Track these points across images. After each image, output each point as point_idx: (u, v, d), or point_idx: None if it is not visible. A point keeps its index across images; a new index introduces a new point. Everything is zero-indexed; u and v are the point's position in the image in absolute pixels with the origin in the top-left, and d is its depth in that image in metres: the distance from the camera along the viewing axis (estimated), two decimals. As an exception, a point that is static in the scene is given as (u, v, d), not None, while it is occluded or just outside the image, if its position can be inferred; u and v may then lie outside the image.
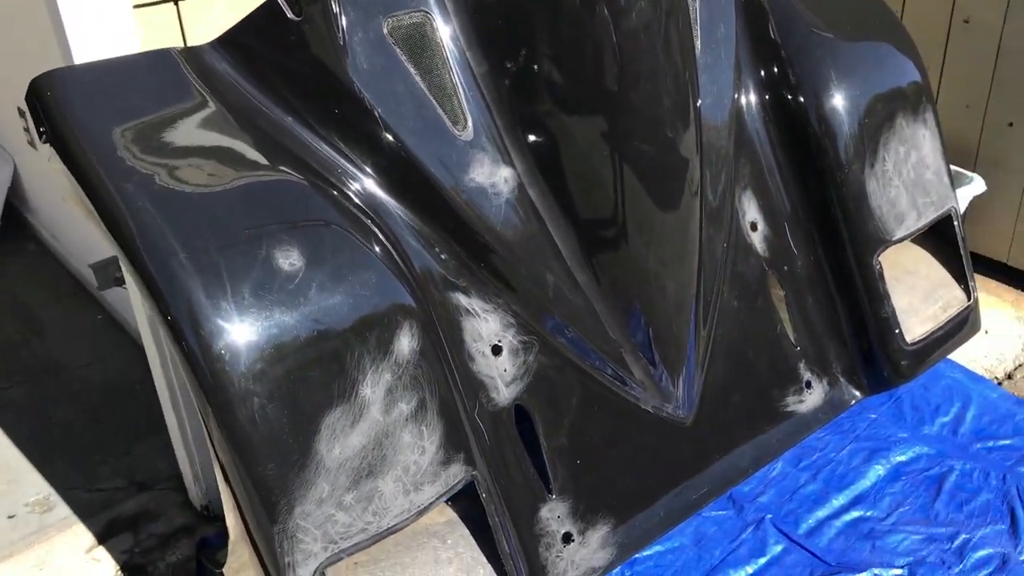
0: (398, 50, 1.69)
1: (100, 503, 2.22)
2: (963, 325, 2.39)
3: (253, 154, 1.60)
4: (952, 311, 2.36)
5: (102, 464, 2.34)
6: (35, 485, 2.29)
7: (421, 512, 1.56)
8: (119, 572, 2.03)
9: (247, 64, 1.70)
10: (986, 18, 2.67)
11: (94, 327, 2.92)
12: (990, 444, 2.32)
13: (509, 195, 1.79)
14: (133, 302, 2.03)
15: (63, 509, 2.21)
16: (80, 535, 2.13)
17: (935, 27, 2.80)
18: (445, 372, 1.63)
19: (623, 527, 1.93)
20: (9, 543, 2.12)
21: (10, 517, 2.19)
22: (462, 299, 1.77)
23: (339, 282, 1.51)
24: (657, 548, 2.03)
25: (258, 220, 1.51)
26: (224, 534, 1.62)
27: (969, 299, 2.40)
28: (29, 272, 3.25)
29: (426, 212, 1.75)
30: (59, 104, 1.52)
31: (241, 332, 1.42)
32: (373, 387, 1.50)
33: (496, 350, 1.80)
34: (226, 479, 1.46)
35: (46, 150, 1.57)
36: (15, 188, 3.38)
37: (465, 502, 1.71)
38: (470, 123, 1.75)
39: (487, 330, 1.79)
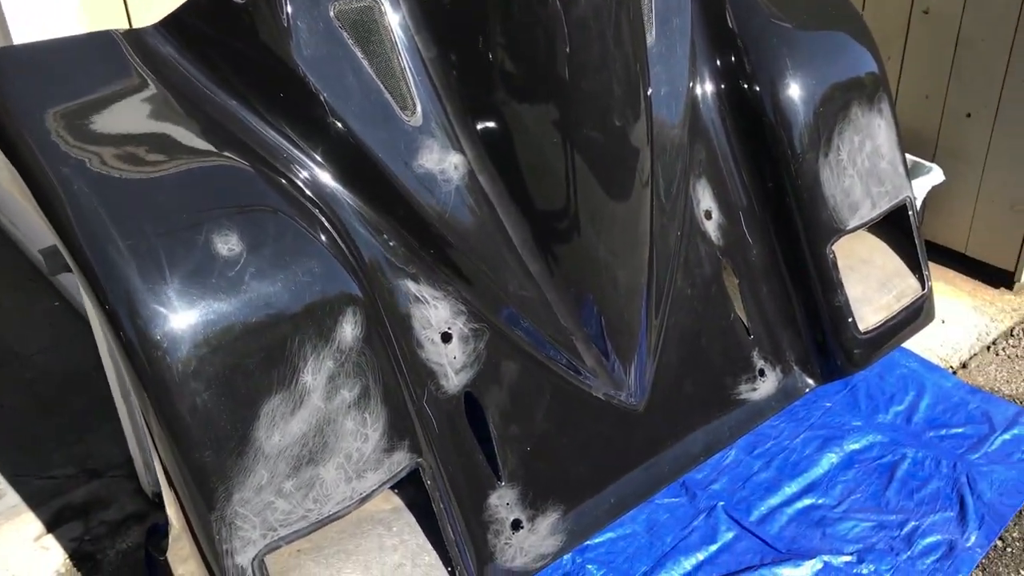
0: (345, 34, 1.68)
1: (50, 491, 2.20)
2: (917, 314, 2.40)
3: (196, 139, 1.58)
4: (906, 300, 2.38)
5: (54, 452, 2.32)
6: (-15, 473, 2.27)
7: (364, 499, 1.55)
8: (67, 560, 2.02)
9: (191, 47, 1.68)
10: (945, 9, 2.68)
11: (50, 314, 2.89)
12: (943, 432, 2.34)
13: (459, 182, 1.78)
14: (81, 288, 2.00)
15: (12, 497, 2.19)
16: (29, 523, 2.11)
17: (895, 17, 2.80)
18: (391, 359, 1.62)
19: (573, 514, 1.93)
20: (-43, 531, 2.10)
21: (-41, 505, 2.18)
22: (411, 286, 1.77)
23: (280, 269, 1.49)
24: (609, 535, 2.04)
25: (199, 206, 1.49)
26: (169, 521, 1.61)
27: (923, 288, 2.41)
28: (-14, 258, 3.22)
29: (374, 199, 1.74)
30: (-6, 86, 1.50)
31: (179, 319, 1.40)
32: (314, 374, 1.49)
33: (446, 337, 1.80)
34: (165, 468, 1.45)
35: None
36: (-27, 172, 3.34)
37: (411, 489, 1.71)
38: (419, 109, 1.74)
39: (436, 317, 1.79)
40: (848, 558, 2.00)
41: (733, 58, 2.18)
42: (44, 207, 1.47)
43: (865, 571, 1.97)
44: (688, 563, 2.00)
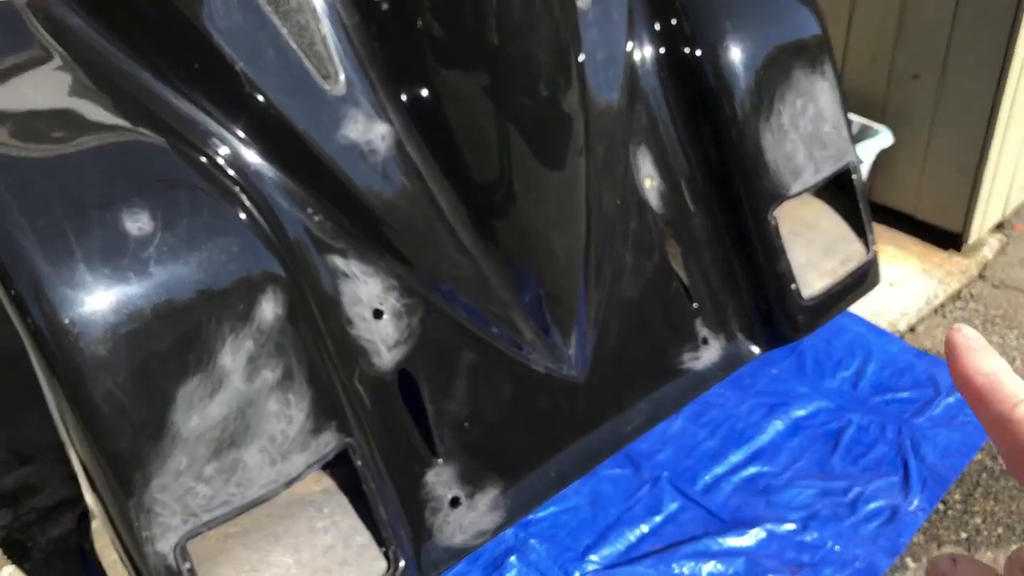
0: (261, 2, 1.61)
1: (-19, 477, 2.15)
2: (863, 279, 2.39)
3: (106, 114, 1.52)
4: (851, 265, 2.36)
5: (-15, 436, 2.27)
6: (-86, 460, 2.21)
7: (290, 482, 1.51)
8: (-2, 548, 1.98)
9: (102, 17, 1.61)
10: (891, -32, 2.64)
11: (-15, 294, 2.81)
12: (888, 397, 2.34)
13: (386, 153, 1.73)
14: (2, 269, 1.94)
15: (-59, 484, 2.13)
16: (-42, 511, 2.06)
17: (842, -22, 2.77)
18: (315, 338, 1.58)
19: (513, 489, 1.90)
20: None
21: None
22: (339, 262, 1.72)
23: (195, 248, 1.44)
24: (552, 508, 2.02)
25: (108, 184, 1.44)
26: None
27: (868, 253, 2.39)
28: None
29: (299, 173, 1.69)
30: None
31: (89, 303, 1.35)
32: (233, 355, 1.45)
33: (377, 314, 1.75)
34: (79, 456, 1.40)
35: None
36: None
37: (343, 470, 1.67)
38: (342, 77, 1.68)
39: (367, 293, 1.74)
40: (792, 526, 2.00)
41: (673, 21, 2.14)
42: (-57, 188, 1.40)
43: (808, 538, 1.96)
44: (632, 535, 1.99)
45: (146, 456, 1.38)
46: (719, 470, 2.14)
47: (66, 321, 1.34)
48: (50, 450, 2.19)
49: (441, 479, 1.81)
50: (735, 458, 2.17)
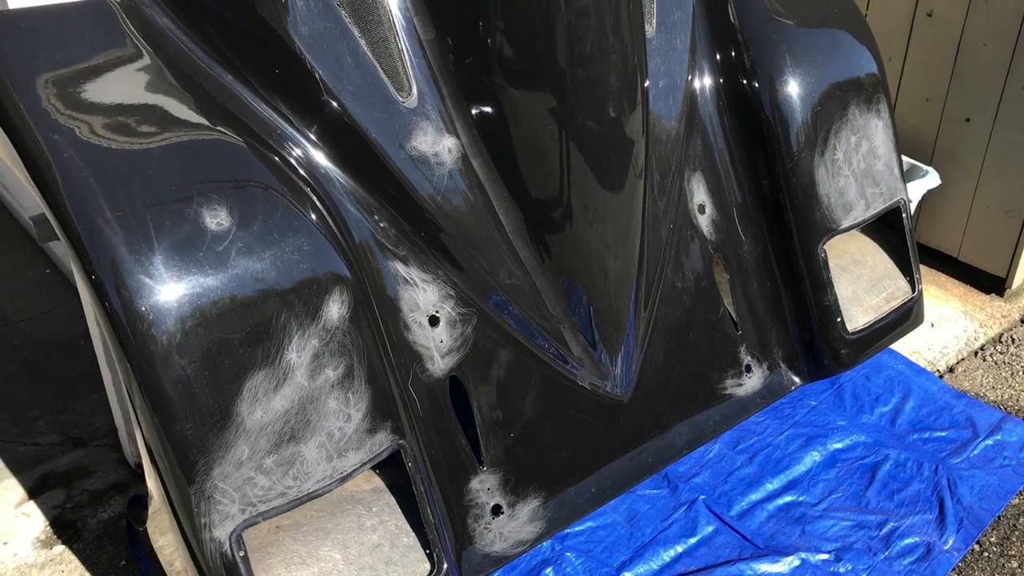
0: (343, 12, 1.67)
1: (34, 457, 2.20)
2: (906, 317, 2.41)
3: (189, 112, 1.57)
4: (896, 302, 2.38)
5: (39, 419, 2.32)
6: (-31, 437, 2.27)
7: (344, 479, 1.55)
8: (48, 527, 2.02)
9: (188, 19, 1.67)
10: (949, 12, 2.67)
11: (41, 281, 2.88)
12: (926, 435, 2.35)
13: (452, 165, 1.78)
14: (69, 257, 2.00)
15: (-4, 462, 2.20)
16: (11, 489, 2.11)
17: (899, 18, 2.80)
18: (376, 341, 1.62)
19: (554, 502, 1.94)
20: (-61, 494, 2.11)
21: (-59, 468, 2.18)
22: (400, 268, 1.76)
23: (269, 245, 1.49)
24: (589, 524, 2.05)
25: (189, 179, 1.49)
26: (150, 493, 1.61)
27: (914, 291, 2.42)
28: (-21, 223, 3.21)
29: (367, 179, 1.74)
30: (-13, 50, 1.49)
31: (165, 292, 1.40)
32: (299, 352, 1.49)
33: (433, 321, 1.80)
34: (146, 440, 1.45)
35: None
36: (-31, 136, 3.32)
37: (392, 471, 1.71)
38: (415, 90, 1.74)
39: (425, 300, 1.79)
40: (826, 556, 2.01)
41: (733, 53, 2.18)
42: (33, 174, 1.46)
43: (842, 570, 1.98)
44: (667, 555, 2.01)
45: (210, 444, 1.43)
46: (755, 496, 2.15)
47: (142, 308, 1.39)
48: (102, 435, 2.25)
49: (485, 487, 1.85)
50: (771, 486, 2.18)
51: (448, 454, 1.81)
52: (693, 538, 2.05)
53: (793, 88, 2.15)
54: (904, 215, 2.38)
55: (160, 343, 1.39)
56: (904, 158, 2.75)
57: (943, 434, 2.35)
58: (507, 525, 1.87)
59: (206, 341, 1.42)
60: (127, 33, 1.61)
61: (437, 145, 1.77)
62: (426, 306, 1.79)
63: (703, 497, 2.13)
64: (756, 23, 2.17)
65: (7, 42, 1.51)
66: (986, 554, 2.06)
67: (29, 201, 2.88)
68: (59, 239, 1.87)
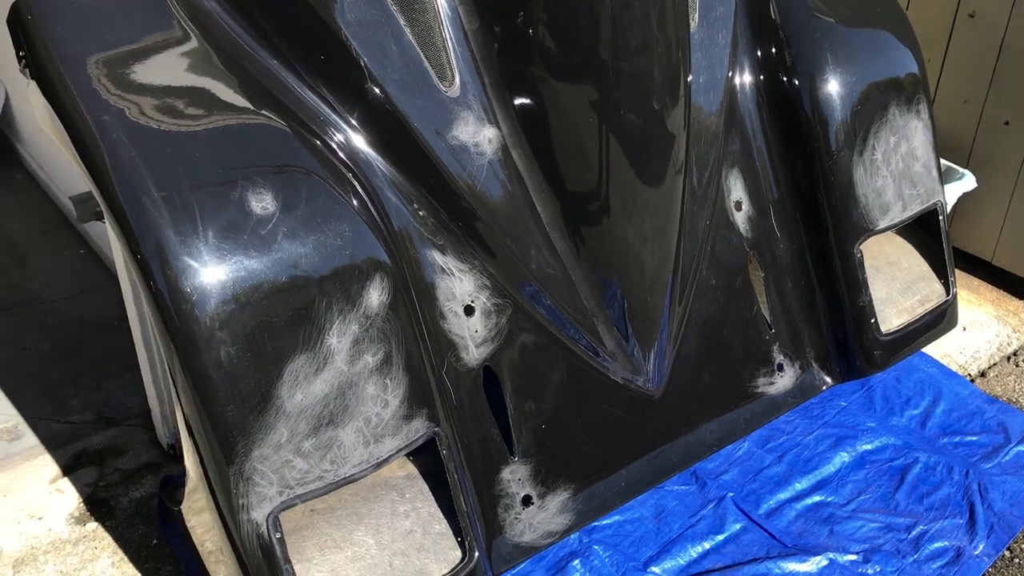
0: (389, 1, 1.67)
1: (68, 435, 2.22)
2: (940, 320, 2.39)
3: (235, 96, 1.58)
4: (930, 305, 2.36)
5: (73, 397, 2.35)
6: (4, 413, 2.29)
7: (380, 464, 1.56)
8: (82, 504, 2.04)
9: (235, 3, 1.68)
10: (991, 13, 2.65)
11: (76, 261, 2.91)
12: (956, 439, 2.33)
13: (492, 156, 1.78)
14: (110, 237, 2.02)
15: (31, 438, 2.22)
16: (45, 465, 2.14)
17: (939, 19, 2.77)
18: (414, 328, 1.63)
19: (583, 494, 1.94)
20: (-26, 468, 2.13)
21: (-23, 443, 2.20)
22: (438, 257, 1.77)
23: (312, 230, 1.50)
24: (616, 518, 2.05)
25: (234, 162, 1.50)
26: (186, 474, 1.62)
27: (948, 294, 2.40)
28: (15, 202, 3.23)
29: (407, 167, 1.74)
30: (39, 30, 1.51)
31: (210, 273, 1.41)
32: (340, 337, 1.50)
33: (468, 310, 1.80)
34: (187, 420, 1.46)
35: (27, 78, 1.56)
36: (6, 116, 3.36)
37: (426, 458, 1.72)
38: (457, 80, 1.74)
39: (461, 290, 1.79)
40: (854, 557, 2.00)
41: (774, 50, 2.17)
42: (82, 153, 1.48)
43: (871, 571, 1.97)
44: (694, 551, 2.01)
45: (250, 426, 1.44)
46: (783, 495, 2.15)
47: (187, 289, 1.40)
48: (134, 415, 2.27)
49: (515, 477, 1.85)
50: (800, 485, 2.18)
51: (480, 443, 1.81)
52: (721, 535, 2.05)
53: (834, 86, 2.14)
54: (940, 217, 2.36)
55: (204, 324, 1.41)
56: (940, 160, 2.72)
57: (974, 439, 2.33)
58: (537, 516, 1.87)
59: (249, 323, 1.43)
60: (175, 16, 1.62)
61: (478, 135, 1.77)
62: (462, 295, 1.80)
63: (731, 494, 2.13)
64: (798, 20, 2.16)
65: (59, 23, 1.53)
66: (1017, 560, 2.04)
67: (66, 182, 2.90)
68: (98, 220, 1.90)
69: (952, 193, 2.73)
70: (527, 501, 1.86)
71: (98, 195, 1.46)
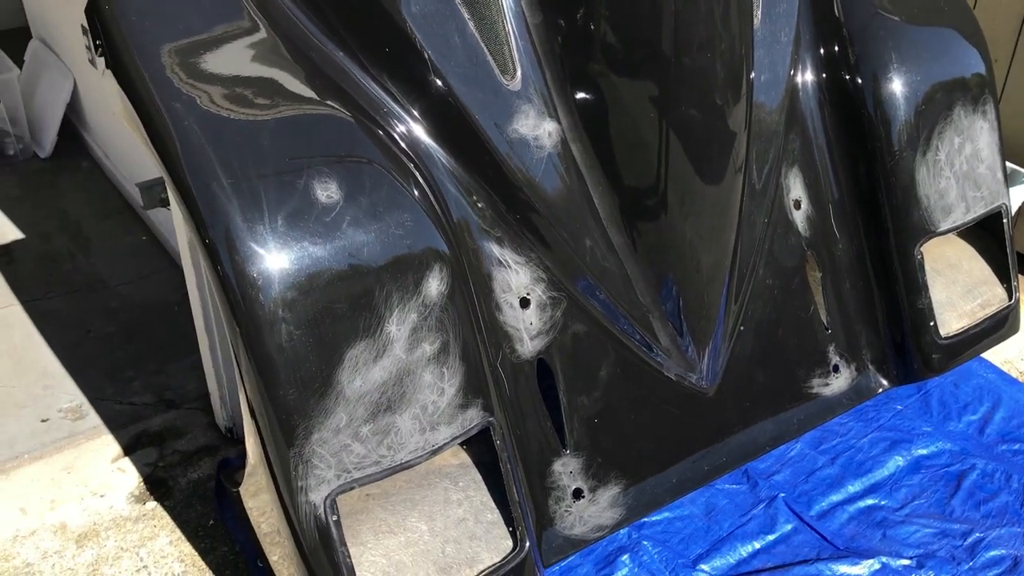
0: (454, -6, 1.69)
1: (129, 416, 2.28)
2: (1001, 325, 2.35)
3: (301, 86, 1.61)
4: (991, 309, 2.32)
5: (134, 379, 2.41)
6: (69, 393, 2.36)
7: (435, 451, 1.58)
8: (142, 483, 2.10)
9: (304, -4, 1.71)
10: (1062, 14, 2.59)
11: (138, 246, 2.98)
12: (1016, 447, 2.29)
13: (552, 149, 1.79)
14: (175, 223, 2.06)
15: (94, 418, 2.28)
16: (108, 445, 2.20)
17: (1008, 19, 2.72)
18: (471, 318, 1.65)
19: (634, 489, 1.94)
20: (41, 445, 2.20)
21: (43, 421, 2.27)
22: (495, 249, 1.79)
23: (375, 219, 1.52)
24: (666, 514, 2.05)
25: (300, 151, 1.53)
26: (244, 456, 1.66)
27: (1011, 299, 2.36)
28: (81, 188, 3.32)
29: (467, 159, 1.76)
30: (116, 20, 1.55)
31: (275, 259, 1.44)
32: (399, 325, 1.52)
33: (524, 302, 1.81)
34: (249, 402, 1.49)
35: (102, 67, 1.60)
36: (73, 105, 3.44)
37: (479, 447, 1.74)
38: (519, 73, 1.75)
39: (517, 282, 1.81)
40: (907, 562, 1.98)
41: (837, 48, 2.15)
42: (154, 139, 1.52)
43: (924, 577, 1.95)
44: (744, 550, 2.00)
45: (311, 410, 1.47)
46: (836, 498, 2.13)
47: (253, 274, 1.43)
48: (194, 399, 2.32)
49: (567, 470, 1.86)
50: (853, 488, 2.16)
51: (533, 435, 1.82)
52: (771, 535, 2.04)
53: (897, 85, 2.11)
54: (1004, 221, 2.32)
55: (268, 308, 1.44)
56: (1006, 162, 2.67)
57: (1034, 447, 2.29)
58: (587, 509, 1.88)
59: (311, 309, 1.46)
60: (245, 7, 1.66)
61: (538, 129, 1.78)
62: (518, 288, 1.81)
63: (783, 495, 2.12)
64: (862, 18, 2.14)
65: (134, 12, 1.57)
66: (1076, 571, 2.00)
67: (131, 169, 2.97)
68: (162, 206, 1.95)
69: (1017, 196, 2.67)
70: (578, 494, 1.87)
71: (168, 181, 1.50)
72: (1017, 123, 2.77)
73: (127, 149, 2.99)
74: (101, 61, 1.60)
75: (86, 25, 1.63)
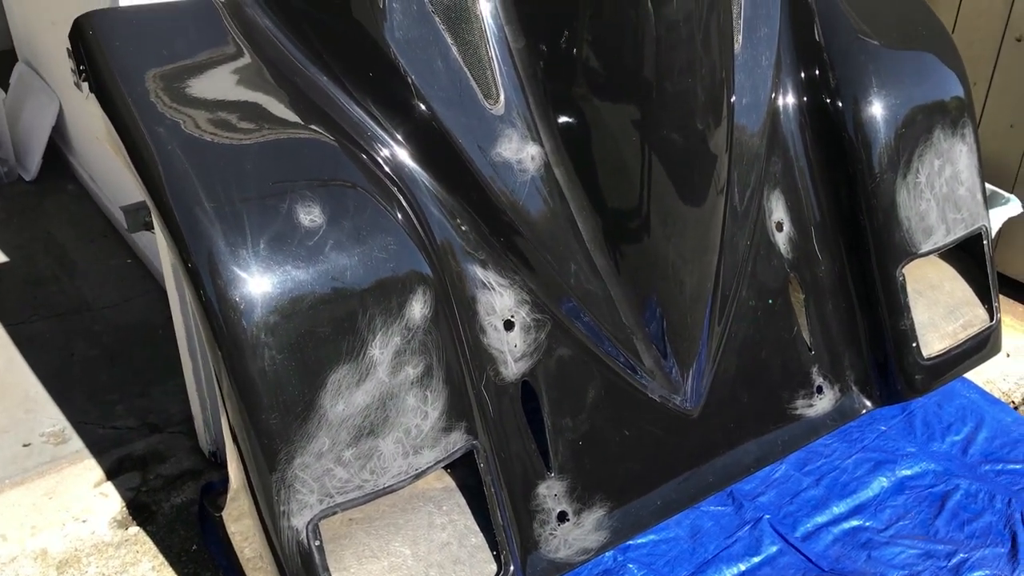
0: (437, 19, 1.70)
1: (112, 440, 2.27)
2: (983, 345, 2.37)
3: (285, 110, 1.62)
4: (973, 330, 2.34)
5: (118, 403, 2.40)
6: (52, 417, 2.35)
7: (418, 475, 1.58)
8: (124, 508, 2.08)
9: (287, 21, 1.72)
10: (1039, 38, 2.63)
11: (123, 269, 2.97)
12: (999, 467, 2.30)
13: (535, 173, 1.80)
14: (159, 247, 2.06)
15: (77, 443, 2.26)
16: (91, 469, 2.18)
17: (986, 42, 2.76)
18: (455, 341, 1.65)
19: (619, 512, 1.94)
20: (22, 470, 2.18)
21: (25, 445, 2.25)
22: (479, 272, 1.79)
23: (358, 243, 1.53)
24: (652, 537, 2.04)
25: (284, 175, 1.53)
26: (227, 481, 1.65)
27: (992, 320, 2.38)
28: (66, 211, 3.31)
29: (451, 183, 1.77)
30: (100, 44, 1.55)
31: (258, 283, 1.45)
32: (382, 348, 1.52)
33: (508, 325, 1.82)
34: (231, 427, 1.49)
35: (87, 90, 1.60)
36: (59, 128, 3.45)
37: (463, 471, 1.73)
38: (502, 98, 1.76)
39: (501, 304, 1.81)
40: (892, 583, 1.98)
41: (818, 72, 2.17)
42: (137, 164, 1.52)
43: (909, 598, 1.95)
44: (729, 572, 1.99)
45: (293, 434, 1.46)
46: (820, 519, 2.13)
47: (235, 298, 1.43)
48: (177, 422, 2.31)
49: (552, 493, 1.86)
50: (837, 509, 2.16)
51: (517, 458, 1.82)
52: (757, 557, 2.03)
53: (878, 108, 2.13)
54: (985, 242, 2.34)
55: (250, 332, 1.43)
56: (985, 184, 2.70)
57: (1017, 467, 2.30)
58: (572, 532, 1.88)
59: (294, 333, 1.46)
60: (229, 32, 1.66)
61: (521, 152, 1.79)
62: (502, 310, 1.81)
63: (768, 516, 2.12)
64: (842, 42, 2.16)
65: (117, 37, 1.57)
66: (1060, 591, 2.01)
67: (116, 192, 2.97)
68: (147, 230, 1.95)
69: (997, 218, 2.70)
70: (563, 517, 1.87)
71: (151, 205, 1.50)
72: (996, 145, 2.80)
73: (112, 172, 2.99)
74: (85, 85, 1.61)
75: (71, 48, 1.64)
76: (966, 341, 2.33)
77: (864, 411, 2.30)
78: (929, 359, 2.26)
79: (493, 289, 1.81)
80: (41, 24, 3.17)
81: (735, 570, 2.00)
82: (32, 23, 3.34)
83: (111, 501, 2.10)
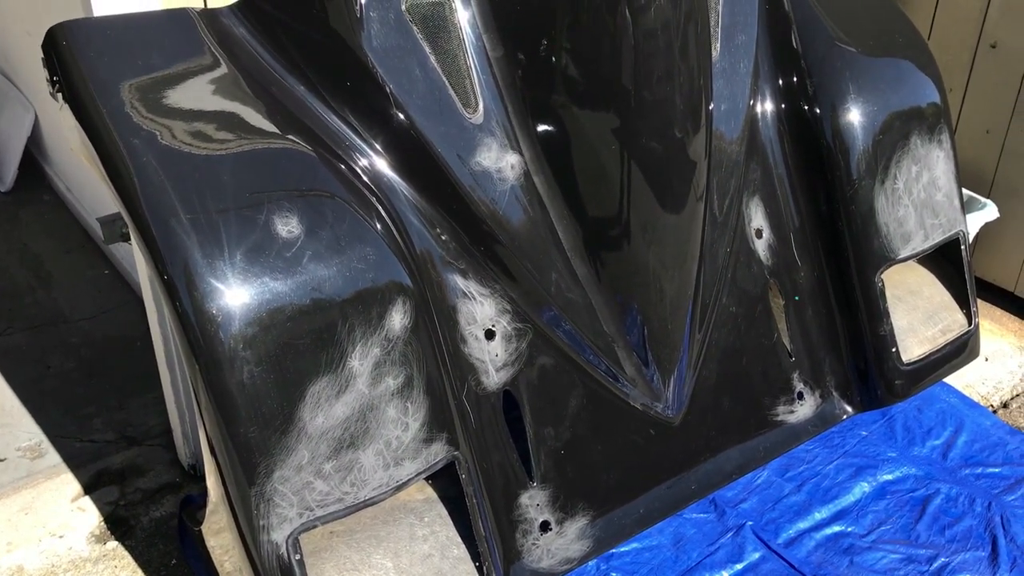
0: (415, 28, 1.70)
1: (90, 454, 2.24)
2: (962, 350, 2.38)
3: (262, 120, 1.61)
4: (952, 335, 2.35)
5: (95, 416, 2.37)
6: (28, 431, 2.32)
7: (400, 487, 1.57)
8: (102, 523, 2.06)
9: (264, 30, 1.71)
10: (1013, 44, 2.65)
11: (100, 281, 2.95)
12: (979, 471, 2.31)
13: (515, 181, 1.80)
14: (136, 258, 2.04)
15: (53, 457, 2.24)
16: (68, 484, 2.16)
17: (961, 50, 2.78)
18: (435, 352, 1.64)
19: (601, 521, 1.93)
20: (-2, 486, 2.15)
21: (0, 460, 2.22)
22: (459, 281, 1.78)
23: (336, 253, 1.52)
24: (634, 545, 2.04)
25: (261, 186, 1.52)
26: (207, 494, 1.64)
27: (970, 324, 2.39)
28: (42, 222, 3.28)
29: (430, 192, 1.76)
30: (73, 54, 1.54)
31: (235, 295, 1.43)
32: (361, 360, 1.51)
33: (489, 334, 1.81)
34: (209, 440, 1.47)
35: (61, 101, 1.59)
36: (35, 138, 3.41)
37: (445, 482, 1.72)
38: (481, 107, 1.76)
39: (482, 314, 1.80)
40: (874, 589, 1.98)
41: (795, 79, 2.18)
42: (111, 175, 1.50)
43: (891, 603, 1.95)
44: (712, 580, 1.99)
45: (272, 447, 1.45)
46: (803, 525, 2.13)
47: (212, 310, 1.42)
48: (156, 435, 2.29)
49: (534, 502, 1.85)
50: (819, 515, 2.16)
51: (499, 468, 1.81)
52: (739, 564, 2.03)
53: (855, 115, 2.14)
54: (963, 247, 2.36)
55: (228, 345, 1.42)
56: (962, 190, 2.72)
57: (997, 470, 2.31)
58: (555, 542, 1.87)
59: (272, 345, 1.45)
60: (205, 42, 1.65)
61: (500, 161, 1.79)
62: (483, 320, 1.81)
63: (750, 523, 2.12)
64: (819, 49, 2.17)
65: (92, 47, 1.56)
66: (1040, 594, 2.02)
67: (93, 203, 2.94)
68: (124, 241, 1.92)
69: (974, 223, 2.72)
70: (545, 527, 1.86)
71: (127, 216, 1.48)
72: (972, 151, 2.83)
73: (89, 183, 2.96)
74: (60, 96, 1.59)
75: (44, 58, 1.62)
76: (945, 346, 2.34)
77: (845, 416, 2.30)
78: (909, 364, 2.27)
79: (474, 299, 1.80)
80: (16, 34, 3.15)
81: (718, 577, 2.00)
82: (7, 33, 3.31)
83: (89, 516, 2.08)
